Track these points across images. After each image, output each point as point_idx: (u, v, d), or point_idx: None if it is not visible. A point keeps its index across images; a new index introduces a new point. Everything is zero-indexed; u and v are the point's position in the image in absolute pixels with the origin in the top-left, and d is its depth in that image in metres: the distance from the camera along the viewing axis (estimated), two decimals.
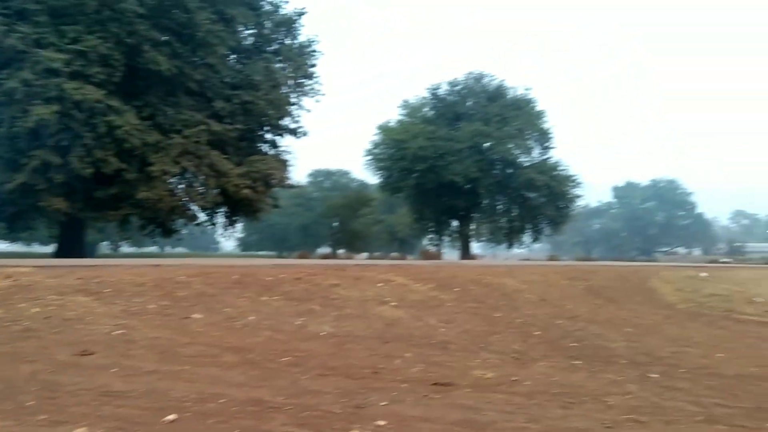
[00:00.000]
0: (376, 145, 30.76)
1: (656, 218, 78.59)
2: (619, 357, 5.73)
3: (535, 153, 30.15)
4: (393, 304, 7.41)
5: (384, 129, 30.64)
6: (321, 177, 53.28)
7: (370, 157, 30.84)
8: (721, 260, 41.95)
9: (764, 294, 13.63)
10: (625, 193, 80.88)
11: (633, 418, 3.60)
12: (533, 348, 5.88)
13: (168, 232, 20.03)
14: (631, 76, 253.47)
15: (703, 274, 15.33)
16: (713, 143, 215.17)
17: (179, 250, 48.29)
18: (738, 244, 73.63)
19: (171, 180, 17.35)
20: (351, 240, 34.16)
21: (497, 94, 29.94)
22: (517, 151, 29.16)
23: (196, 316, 5.91)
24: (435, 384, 4.21)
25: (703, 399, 4.18)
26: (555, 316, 7.94)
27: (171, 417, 3.12)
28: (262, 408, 3.37)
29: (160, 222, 18.78)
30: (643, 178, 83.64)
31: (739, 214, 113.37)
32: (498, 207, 31.36)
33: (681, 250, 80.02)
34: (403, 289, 8.38)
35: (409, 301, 7.72)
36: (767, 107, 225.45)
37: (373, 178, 33.97)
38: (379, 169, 30.87)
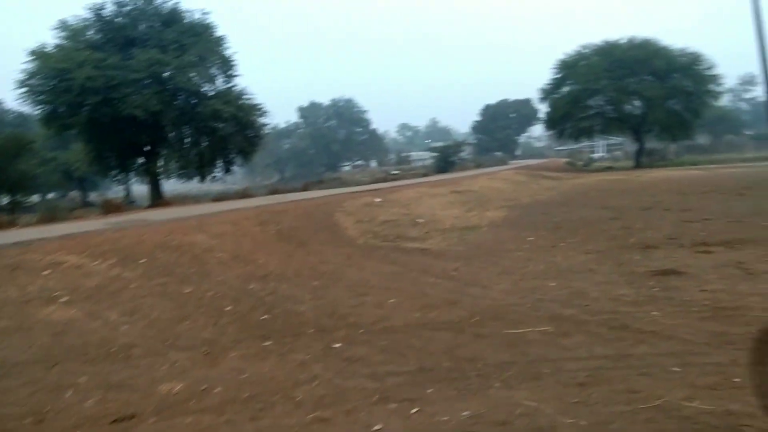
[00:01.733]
0: (32, 75, 25.83)
1: (338, 135, 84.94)
2: (306, 324, 5.95)
3: (219, 82, 29.13)
4: (64, 299, 6.40)
5: (40, 55, 25.78)
6: None
7: (25, 89, 25.83)
8: (391, 172, 47.63)
9: (425, 214, 15.88)
10: (309, 113, 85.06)
11: (318, 416, 3.74)
12: (225, 332, 5.73)
13: None
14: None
15: (378, 200, 17.13)
16: (380, 63, 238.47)
17: None
18: (404, 154, 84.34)
19: None
20: (14, 187, 28.82)
21: (172, 18, 27.60)
22: (199, 81, 27.72)
23: None
24: (114, 421, 3.77)
25: (378, 368, 4.60)
26: (247, 279, 7.89)
27: None
28: None
29: None
30: (324, 99, 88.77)
31: (404, 127, 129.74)
32: (186, 140, 29.79)
33: (361, 163, 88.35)
34: (77, 274, 7.28)
35: (85, 290, 6.73)
36: (414, 24, 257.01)
37: (33, 111, 28.76)
38: (40, 102, 26.16)
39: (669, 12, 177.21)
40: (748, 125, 74.91)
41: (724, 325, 4.77)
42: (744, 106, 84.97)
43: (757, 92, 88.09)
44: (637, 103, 48.95)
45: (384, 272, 8.67)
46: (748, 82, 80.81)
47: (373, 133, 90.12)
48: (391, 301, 6.78)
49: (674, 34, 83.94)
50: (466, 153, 65.02)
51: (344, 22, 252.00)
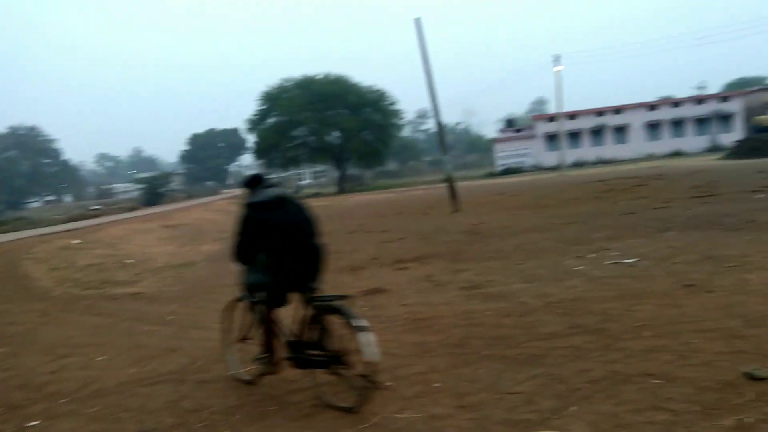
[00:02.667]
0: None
1: (21, 168, 73.59)
2: None
3: None
4: None
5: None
6: None
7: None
8: (91, 208, 42.96)
9: (135, 253, 14.70)
10: None
11: None
12: None
13: None
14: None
15: (76, 241, 15.27)
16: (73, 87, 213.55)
17: None
18: (106, 186, 77.01)
19: None
20: None
21: None
22: None
23: None
24: None
25: None
26: None
27: None
28: None
29: None
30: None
31: (103, 157, 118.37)
32: None
33: (53, 198, 77.89)
34: None
35: None
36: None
37: None
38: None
39: (356, 49, 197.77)
40: (425, 152, 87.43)
41: (423, 335, 5.48)
42: (421, 136, 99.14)
43: (430, 124, 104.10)
44: (336, 133, 53.22)
45: (90, 326, 7.76)
46: (423, 115, 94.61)
47: (66, 165, 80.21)
48: (101, 358, 6.10)
49: (363, 73, 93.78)
50: (176, 184, 62.35)
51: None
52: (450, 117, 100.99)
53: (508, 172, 54.23)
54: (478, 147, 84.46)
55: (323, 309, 3.91)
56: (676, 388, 3.64)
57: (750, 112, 50.86)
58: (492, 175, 54.30)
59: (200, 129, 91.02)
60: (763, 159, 29.61)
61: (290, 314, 4.27)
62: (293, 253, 4.04)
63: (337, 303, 3.86)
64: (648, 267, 7.38)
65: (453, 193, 19.97)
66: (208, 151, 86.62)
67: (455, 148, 79.66)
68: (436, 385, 4.19)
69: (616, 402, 3.57)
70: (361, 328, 3.63)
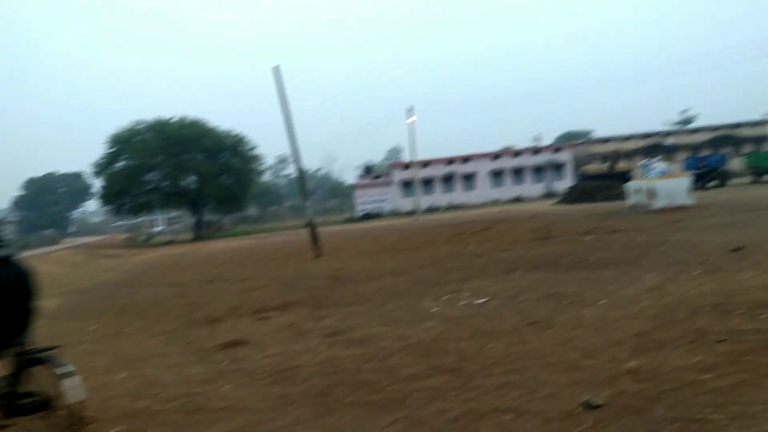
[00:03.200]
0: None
1: None
2: None
3: None
4: None
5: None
6: None
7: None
8: None
9: None
10: None
11: None
12: None
13: None
14: None
15: None
16: None
17: None
18: None
19: None
20: None
21: None
22: None
23: None
24: None
25: None
26: None
27: None
28: None
29: None
30: None
31: None
32: None
33: None
34: None
35: None
36: None
37: None
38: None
39: (214, 94, 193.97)
40: (286, 197, 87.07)
41: (285, 386, 5.33)
42: (282, 181, 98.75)
43: (291, 169, 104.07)
44: (192, 178, 51.22)
45: None
46: (283, 160, 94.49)
47: None
48: None
49: (222, 117, 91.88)
50: (8, 233, 55.92)
51: None
52: (311, 162, 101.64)
53: (368, 217, 55.56)
54: (338, 193, 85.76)
55: (31, 361, 4.28)
56: (527, 422, 3.88)
57: (579, 162, 57.21)
58: (352, 220, 55.25)
59: (38, 173, 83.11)
60: (590, 204, 33.22)
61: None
62: (3, 313, 4.28)
63: (44, 354, 4.24)
64: (497, 306, 7.88)
65: (315, 239, 20.00)
66: (47, 197, 79.10)
67: (316, 194, 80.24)
68: None
69: None
70: (66, 374, 4.06)
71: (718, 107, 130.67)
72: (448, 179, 60.39)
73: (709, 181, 37.60)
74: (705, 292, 7.20)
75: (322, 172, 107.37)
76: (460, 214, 42.02)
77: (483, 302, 8.23)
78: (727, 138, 57.97)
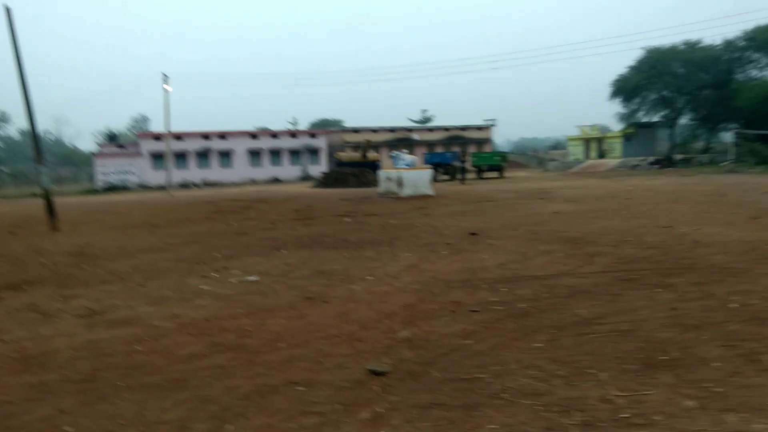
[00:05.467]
0: None
1: None
2: None
3: None
4: None
5: None
6: None
7: None
8: None
9: None
10: None
11: None
12: None
13: None
14: None
15: None
16: None
17: None
18: None
19: None
20: None
21: None
22: None
23: None
24: None
25: None
26: None
27: None
28: None
29: None
30: None
31: None
32: None
33: None
34: None
35: None
36: None
37: None
38: None
39: None
40: (5, 162, 74.49)
41: (38, 375, 4.60)
42: None
43: (12, 130, 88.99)
44: None
45: None
46: (1, 118, 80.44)
47: None
48: None
49: None
50: None
51: None
52: (38, 125, 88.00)
53: (112, 189, 50.43)
54: (73, 161, 76.03)
55: None
56: (318, 392, 3.99)
57: (333, 148, 59.65)
58: (93, 191, 49.57)
59: None
60: (344, 188, 34.98)
61: None
62: None
63: None
64: (270, 283, 7.88)
65: (51, 210, 17.44)
66: None
67: (47, 160, 69.93)
68: (69, 429, 3.59)
69: (269, 413, 3.69)
70: None
71: (449, 109, 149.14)
72: (203, 155, 57.84)
73: (457, 174, 41.93)
74: (454, 270, 8.18)
75: (52, 136, 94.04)
76: (217, 191, 40.67)
77: (255, 279, 8.14)
78: (456, 138, 66.04)
